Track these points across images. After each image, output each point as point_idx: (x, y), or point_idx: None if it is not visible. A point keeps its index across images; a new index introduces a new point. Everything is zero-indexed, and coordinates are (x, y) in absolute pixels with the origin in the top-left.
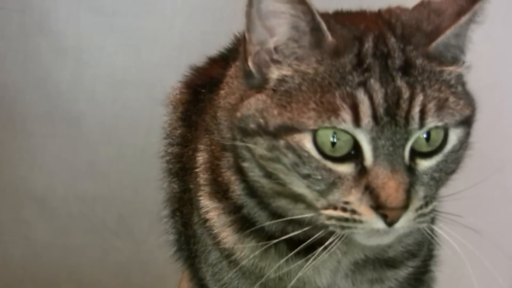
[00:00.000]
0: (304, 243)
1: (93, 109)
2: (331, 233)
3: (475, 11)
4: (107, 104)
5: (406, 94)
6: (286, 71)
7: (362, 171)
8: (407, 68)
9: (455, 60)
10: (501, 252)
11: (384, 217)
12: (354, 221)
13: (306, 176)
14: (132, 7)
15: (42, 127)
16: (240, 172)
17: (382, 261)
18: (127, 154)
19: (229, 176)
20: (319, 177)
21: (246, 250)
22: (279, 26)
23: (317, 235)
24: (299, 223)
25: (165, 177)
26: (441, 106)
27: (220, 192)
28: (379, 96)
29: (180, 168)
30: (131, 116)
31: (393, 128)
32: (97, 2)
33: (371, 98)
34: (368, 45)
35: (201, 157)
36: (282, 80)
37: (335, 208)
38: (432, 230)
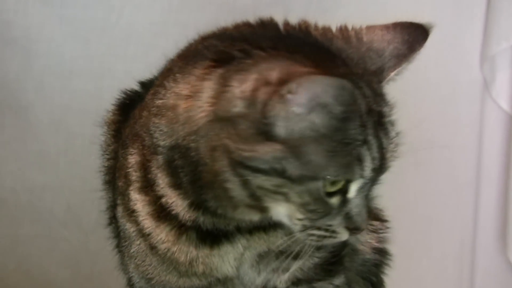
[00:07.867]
0: (212, 233)
1: (42, 99)
2: (238, 228)
3: (413, 57)
4: (56, 94)
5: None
6: None
7: (344, 200)
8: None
9: None
10: (451, 240)
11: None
12: (330, 237)
13: (311, 211)
14: None
15: None
16: (170, 169)
17: (285, 253)
18: (76, 144)
19: (157, 173)
20: (320, 210)
21: (162, 235)
22: None
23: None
24: (211, 215)
25: (103, 188)
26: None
27: (148, 186)
28: (374, 152)
29: (113, 178)
30: (79, 106)
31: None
32: None
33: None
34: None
35: (133, 159)
36: None
37: (318, 228)
38: None
